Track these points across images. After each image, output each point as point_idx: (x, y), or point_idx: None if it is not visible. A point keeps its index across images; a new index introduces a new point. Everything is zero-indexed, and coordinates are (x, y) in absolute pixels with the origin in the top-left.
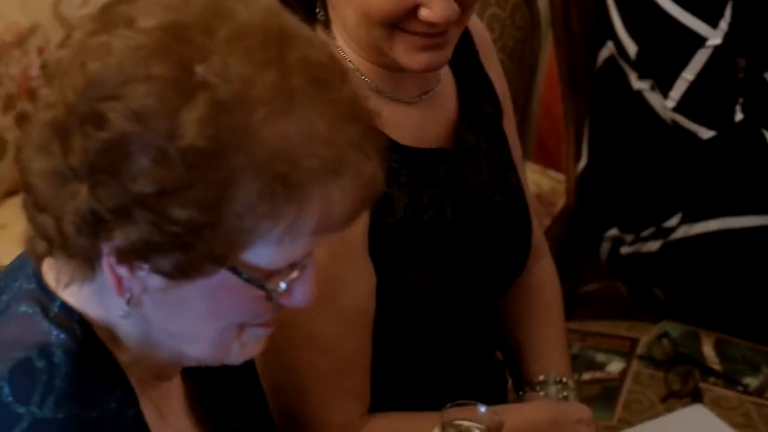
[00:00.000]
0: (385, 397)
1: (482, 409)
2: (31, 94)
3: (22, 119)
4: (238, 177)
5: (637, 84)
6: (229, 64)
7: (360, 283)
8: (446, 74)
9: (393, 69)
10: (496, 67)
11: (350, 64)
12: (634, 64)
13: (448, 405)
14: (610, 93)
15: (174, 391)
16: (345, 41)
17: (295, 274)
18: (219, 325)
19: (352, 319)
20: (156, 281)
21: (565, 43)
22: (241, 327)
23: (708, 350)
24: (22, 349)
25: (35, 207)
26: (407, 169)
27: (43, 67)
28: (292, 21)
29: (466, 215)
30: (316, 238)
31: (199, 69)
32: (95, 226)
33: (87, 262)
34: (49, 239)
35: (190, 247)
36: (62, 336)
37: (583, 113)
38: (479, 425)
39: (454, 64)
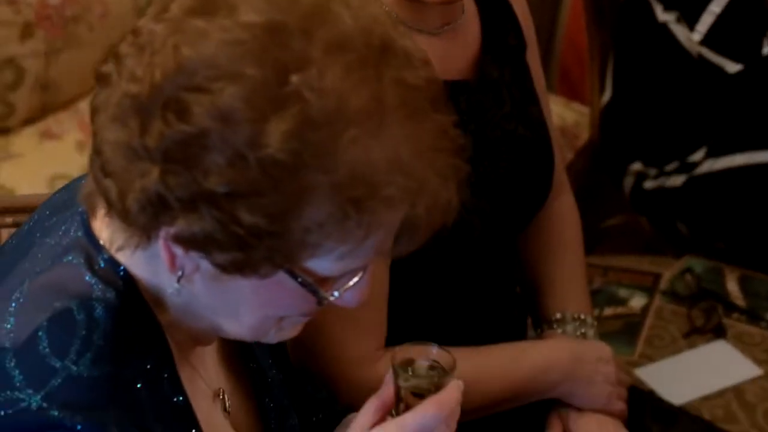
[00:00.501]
0: (404, 332)
1: (434, 348)
2: (116, 57)
3: (102, 79)
4: (312, 194)
5: (663, 16)
6: (325, 79)
7: None
8: (470, 5)
9: None
10: None
11: None
12: None
13: (398, 347)
14: (635, 25)
15: (208, 347)
16: None
17: (351, 282)
18: (262, 314)
19: None
20: (209, 266)
21: None
22: (283, 317)
23: (732, 286)
24: (63, 300)
25: (102, 171)
26: None
27: (135, 34)
28: (395, 33)
29: (487, 148)
30: (380, 254)
31: (295, 78)
32: (159, 209)
33: (143, 233)
34: (110, 203)
35: (250, 249)
36: (104, 291)
37: (607, 45)
38: (432, 364)
39: None
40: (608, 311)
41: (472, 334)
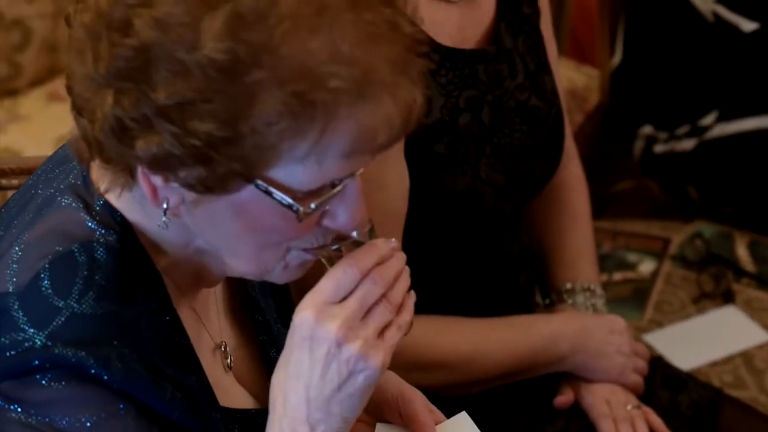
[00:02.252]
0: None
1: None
2: None
3: (68, 21)
4: (256, 93)
5: None
6: None
7: (394, 183)
8: None
9: None
10: None
11: None
12: None
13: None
14: None
15: (212, 296)
16: None
17: (331, 193)
18: (257, 241)
19: (384, 220)
20: (188, 193)
21: None
22: (287, 249)
23: (741, 251)
24: (64, 243)
25: (75, 110)
26: (445, 69)
27: None
28: None
29: (501, 119)
30: (350, 161)
31: None
32: (120, 133)
33: (125, 169)
34: (88, 142)
35: (210, 162)
36: (105, 234)
37: (618, 7)
38: (355, 240)
39: None
40: (617, 276)
41: (481, 304)
